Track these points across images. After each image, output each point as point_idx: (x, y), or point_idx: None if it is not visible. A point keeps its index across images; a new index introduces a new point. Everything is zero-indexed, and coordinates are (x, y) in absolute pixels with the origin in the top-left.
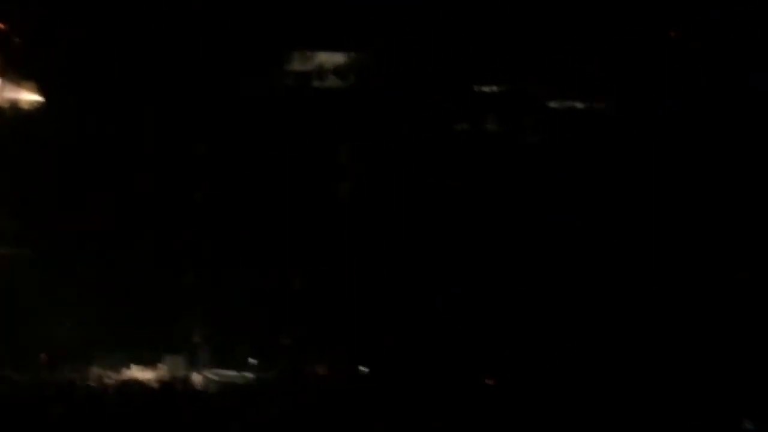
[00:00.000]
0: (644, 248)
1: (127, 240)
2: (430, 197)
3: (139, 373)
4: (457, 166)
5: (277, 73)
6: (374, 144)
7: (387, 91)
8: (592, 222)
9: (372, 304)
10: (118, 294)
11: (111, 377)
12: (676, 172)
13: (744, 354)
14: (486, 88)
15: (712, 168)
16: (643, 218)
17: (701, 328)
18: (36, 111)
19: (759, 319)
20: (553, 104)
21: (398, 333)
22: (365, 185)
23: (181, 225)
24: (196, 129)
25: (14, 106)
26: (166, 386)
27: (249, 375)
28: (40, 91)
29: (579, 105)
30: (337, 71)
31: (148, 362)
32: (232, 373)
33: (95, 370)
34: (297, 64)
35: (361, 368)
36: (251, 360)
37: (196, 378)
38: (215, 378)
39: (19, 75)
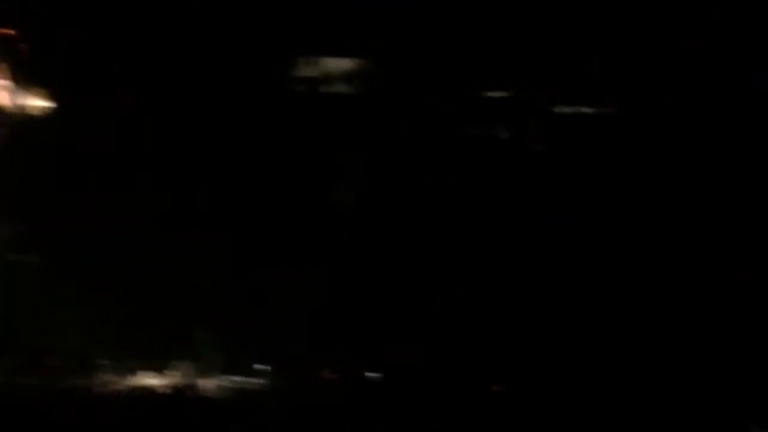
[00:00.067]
0: (644, 248)
1: (135, 245)
2: (439, 201)
3: (147, 379)
4: (465, 169)
5: (284, 79)
6: (382, 149)
7: (394, 96)
8: (592, 222)
9: (382, 309)
10: (127, 299)
11: (119, 383)
12: (676, 172)
13: (745, 354)
14: (494, 93)
15: (712, 168)
16: (643, 218)
17: (701, 328)
18: (45, 116)
19: (759, 319)
20: (557, 108)
21: (407, 337)
22: (373, 190)
23: (190, 230)
24: (204, 134)
25: (23, 111)
26: (175, 392)
27: (258, 381)
28: (49, 96)
29: (581, 106)
30: (344, 77)
31: (157, 368)
32: (241, 378)
33: (103, 377)
34: (304, 70)
35: (370, 373)
36: (261, 366)
37: (206, 384)
38: (225, 384)
39: (28, 80)
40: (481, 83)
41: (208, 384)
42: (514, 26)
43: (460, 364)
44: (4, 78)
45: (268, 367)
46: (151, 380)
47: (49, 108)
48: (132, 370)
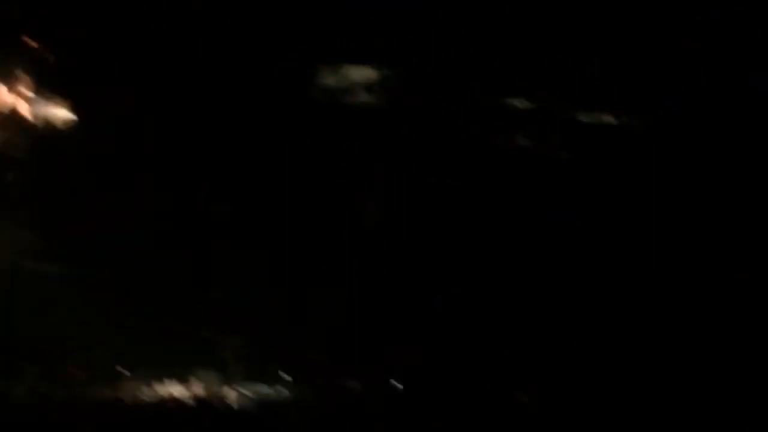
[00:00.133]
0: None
1: (158, 255)
2: (462, 211)
3: (171, 388)
4: (487, 177)
5: (306, 89)
6: (404, 160)
7: (417, 106)
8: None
9: (405, 317)
10: (150, 309)
11: (143, 393)
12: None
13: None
14: (517, 102)
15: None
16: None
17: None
18: (67, 128)
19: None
20: (574, 115)
21: (431, 345)
22: (395, 201)
23: (213, 240)
24: (227, 144)
25: (46, 122)
26: (199, 402)
27: (282, 390)
28: (72, 108)
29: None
30: (368, 86)
31: (181, 378)
32: (265, 388)
33: (127, 386)
34: (327, 79)
35: (395, 383)
36: (285, 375)
37: (229, 393)
38: (248, 393)
39: (51, 92)
40: (498, 89)
41: (231, 393)
42: (542, 37)
43: (484, 371)
44: (27, 88)
45: (291, 377)
46: (173, 390)
47: (70, 117)
48: (154, 380)
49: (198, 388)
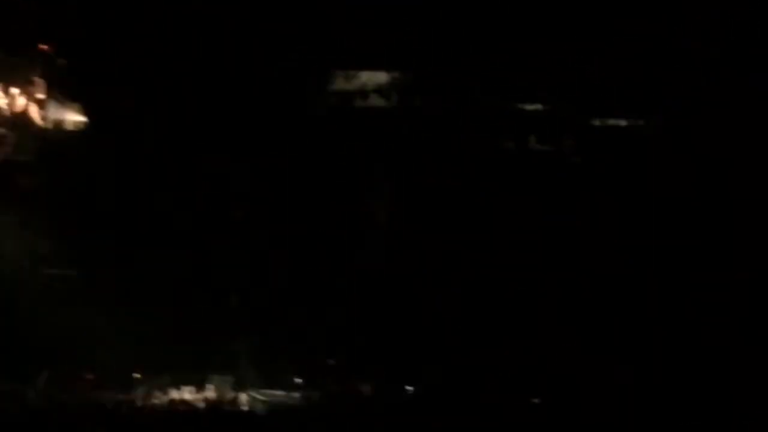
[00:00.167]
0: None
1: (173, 262)
2: (473, 215)
3: (185, 393)
4: (494, 177)
5: (320, 93)
6: (416, 163)
7: (428, 110)
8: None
9: (419, 324)
10: (164, 315)
11: (158, 398)
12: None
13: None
14: (529, 106)
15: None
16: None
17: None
18: (81, 132)
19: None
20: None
21: (445, 351)
22: (407, 206)
23: (227, 247)
24: (241, 151)
25: (59, 127)
26: (213, 406)
27: (295, 395)
28: (85, 112)
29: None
30: (379, 89)
31: (195, 383)
32: (278, 393)
33: (140, 390)
34: (340, 84)
35: (407, 387)
36: (297, 380)
37: (243, 398)
38: (262, 398)
39: (64, 96)
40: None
41: (244, 397)
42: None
43: (497, 377)
44: (40, 92)
45: (305, 381)
46: (186, 394)
47: (86, 123)
48: (167, 384)
49: (211, 392)
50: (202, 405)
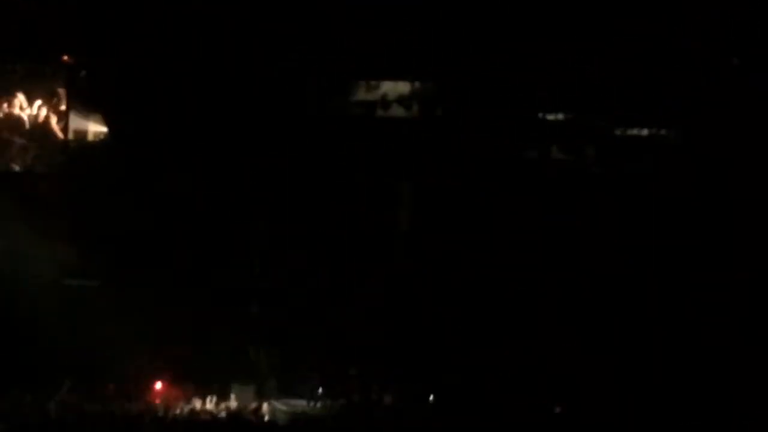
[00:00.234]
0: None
1: (195, 273)
2: (496, 223)
3: (208, 403)
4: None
5: (342, 103)
6: (438, 173)
7: (450, 120)
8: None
9: (441, 335)
10: (187, 325)
11: (180, 408)
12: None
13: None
14: (550, 116)
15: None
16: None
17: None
18: (102, 143)
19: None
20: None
21: (467, 362)
22: (431, 217)
23: (250, 259)
24: (265, 160)
25: (81, 138)
26: (235, 416)
27: (317, 404)
28: (107, 123)
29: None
30: (401, 100)
31: (216, 392)
32: (300, 402)
33: (162, 401)
34: (362, 94)
35: (429, 397)
36: (319, 390)
37: (265, 408)
38: (284, 408)
39: (86, 107)
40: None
41: (266, 408)
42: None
43: (520, 388)
44: (61, 103)
45: (326, 391)
46: (208, 404)
47: (107, 134)
48: (189, 394)
49: (233, 402)
50: (224, 414)
